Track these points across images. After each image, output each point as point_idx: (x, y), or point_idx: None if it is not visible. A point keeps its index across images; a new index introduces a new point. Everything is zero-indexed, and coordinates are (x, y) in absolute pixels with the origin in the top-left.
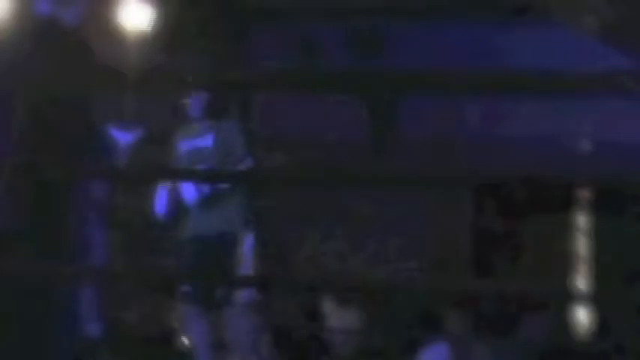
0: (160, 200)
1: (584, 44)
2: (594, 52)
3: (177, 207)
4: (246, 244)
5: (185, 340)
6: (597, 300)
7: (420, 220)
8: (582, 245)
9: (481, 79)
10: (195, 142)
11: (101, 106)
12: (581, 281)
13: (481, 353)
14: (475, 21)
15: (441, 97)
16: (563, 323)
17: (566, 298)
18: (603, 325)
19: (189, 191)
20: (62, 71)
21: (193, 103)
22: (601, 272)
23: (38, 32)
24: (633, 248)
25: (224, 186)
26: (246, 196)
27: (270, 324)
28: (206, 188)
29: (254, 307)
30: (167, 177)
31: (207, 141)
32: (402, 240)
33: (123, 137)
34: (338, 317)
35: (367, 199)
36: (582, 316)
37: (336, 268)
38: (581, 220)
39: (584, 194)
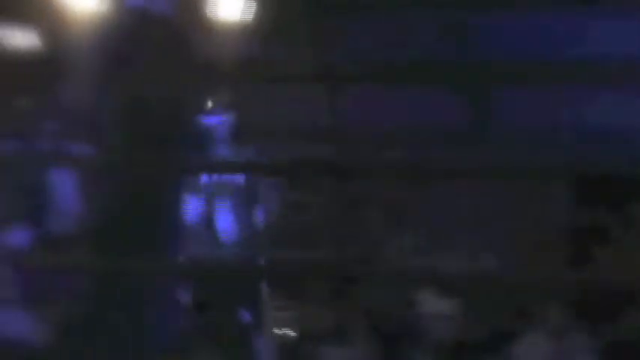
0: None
1: None
2: None
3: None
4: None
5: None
6: None
7: (513, 211)
8: None
9: (587, 69)
10: None
11: (196, 98)
12: None
13: (578, 345)
14: (556, 9)
15: (542, 88)
16: None
17: None
18: None
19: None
20: (155, 63)
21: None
22: None
23: (131, 24)
24: None
25: None
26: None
27: (365, 312)
28: None
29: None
30: (262, 170)
31: None
32: (495, 232)
33: (218, 129)
34: (433, 305)
35: (456, 191)
36: None
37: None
38: None
39: None
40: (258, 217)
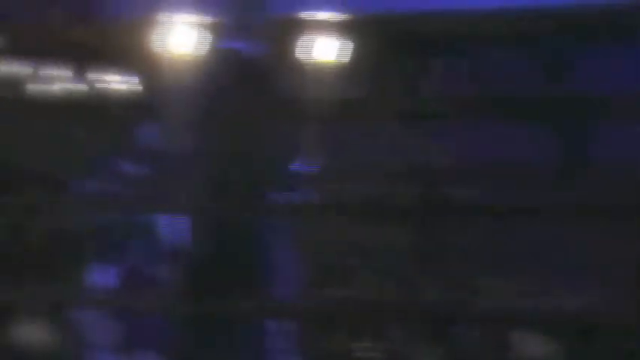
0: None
1: None
2: None
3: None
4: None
5: None
6: None
7: (609, 249)
8: None
9: None
10: None
11: (285, 138)
12: None
13: None
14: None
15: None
16: None
17: None
18: None
19: None
20: (248, 104)
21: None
22: None
23: (224, 65)
24: None
25: None
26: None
27: (462, 353)
28: None
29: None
30: (347, 210)
31: None
32: (593, 270)
33: (305, 170)
34: (532, 347)
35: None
36: None
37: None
38: None
39: None
40: (351, 257)
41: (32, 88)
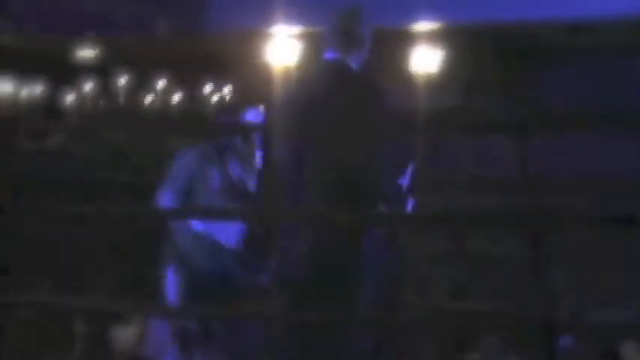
0: None
1: None
2: None
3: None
4: None
5: None
6: None
7: None
8: None
9: None
10: None
11: (391, 149)
12: None
13: None
14: None
15: None
16: None
17: None
18: None
19: None
20: (352, 116)
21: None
22: None
23: (327, 78)
24: None
25: None
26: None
27: None
28: None
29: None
30: (453, 221)
31: None
32: None
33: (412, 181)
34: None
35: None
36: None
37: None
38: None
39: None
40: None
41: (138, 99)
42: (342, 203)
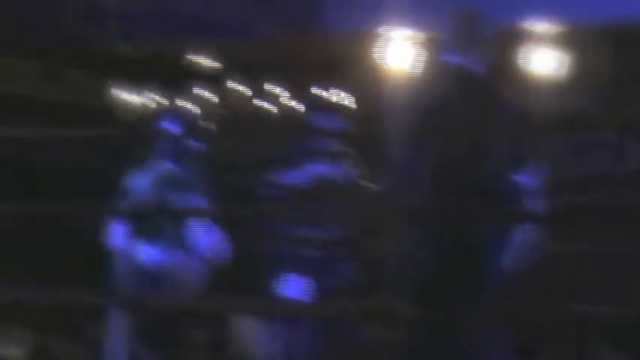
0: None
1: None
2: None
3: None
4: None
5: None
6: None
7: None
8: None
9: None
10: None
11: (509, 151)
12: None
13: None
14: None
15: None
16: None
17: None
18: None
19: None
20: (472, 117)
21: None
22: None
23: (446, 80)
24: None
25: None
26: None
27: None
28: None
29: None
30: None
31: None
32: None
33: (528, 182)
34: None
35: None
36: None
37: None
38: None
39: None
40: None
41: (253, 104)
42: (462, 202)
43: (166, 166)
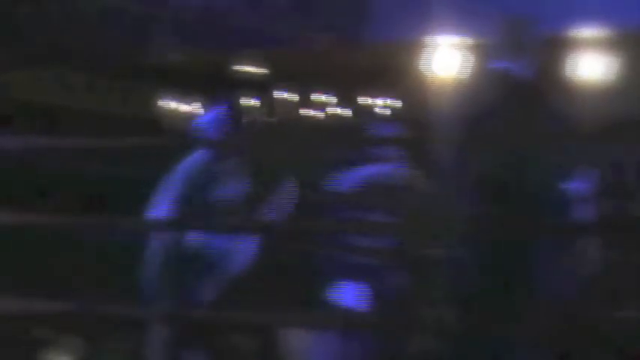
0: None
1: None
2: None
3: None
4: None
5: None
6: None
7: None
8: None
9: None
10: None
11: (559, 157)
12: None
13: None
14: None
15: None
16: None
17: None
18: None
19: None
20: (520, 123)
21: None
22: None
23: (494, 86)
24: None
25: None
26: None
27: None
28: None
29: None
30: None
31: None
32: None
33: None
34: None
35: None
36: None
37: None
38: None
39: None
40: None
41: (300, 112)
42: (510, 211)
43: (214, 173)
